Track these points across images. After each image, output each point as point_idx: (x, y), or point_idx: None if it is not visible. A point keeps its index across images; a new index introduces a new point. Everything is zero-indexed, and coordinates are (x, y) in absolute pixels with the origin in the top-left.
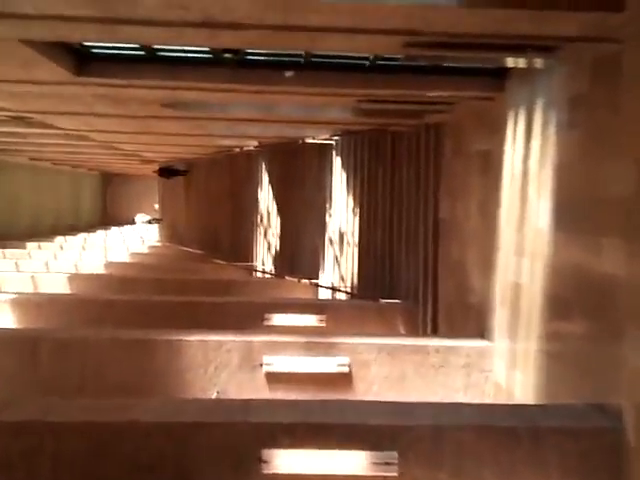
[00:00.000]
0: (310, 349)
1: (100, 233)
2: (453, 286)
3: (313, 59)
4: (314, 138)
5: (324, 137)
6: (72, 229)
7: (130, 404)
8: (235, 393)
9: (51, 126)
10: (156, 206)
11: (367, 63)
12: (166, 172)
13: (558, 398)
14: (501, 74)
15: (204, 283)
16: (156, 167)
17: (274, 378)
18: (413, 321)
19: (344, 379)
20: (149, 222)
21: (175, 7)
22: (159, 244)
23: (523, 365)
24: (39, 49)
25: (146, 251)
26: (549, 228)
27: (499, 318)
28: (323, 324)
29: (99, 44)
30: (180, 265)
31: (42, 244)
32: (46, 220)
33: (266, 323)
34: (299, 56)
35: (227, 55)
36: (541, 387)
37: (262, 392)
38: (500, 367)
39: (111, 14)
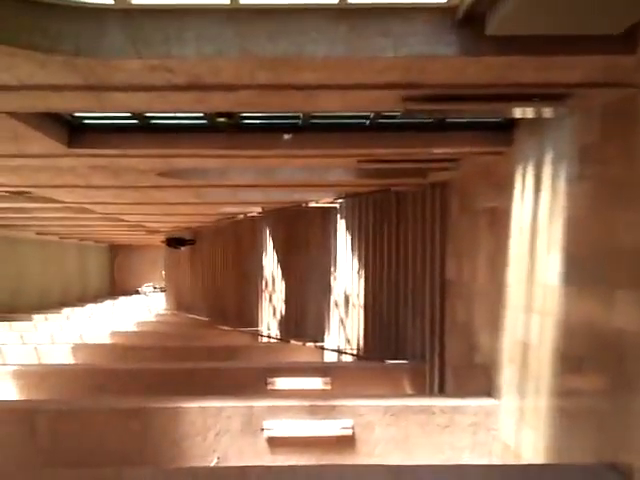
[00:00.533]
0: (312, 412)
1: (107, 303)
2: (460, 346)
3: (312, 121)
4: (317, 202)
5: (327, 200)
6: (80, 301)
7: (121, 474)
8: (236, 459)
9: (51, 199)
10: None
11: (367, 122)
12: (173, 242)
13: (567, 456)
14: (508, 127)
15: (208, 349)
16: (162, 237)
17: (276, 443)
18: (420, 381)
19: (347, 442)
20: (154, 289)
21: (159, 70)
22: (166, 312)
23: (532, 423)
24: (29, 122)
25: (152, 319)
26: (559, 283)
27: (507, 376)
28: (328, 387)
29: (90, 115)
30: (185, 332)
31: (49, 316)
32: (53, 293)
33: (270, 387)
34: (297, 118)
35: (221, 119)
36: (550, 445)
37: (263, 457)
38: (508, 425)
39: (93, 80)
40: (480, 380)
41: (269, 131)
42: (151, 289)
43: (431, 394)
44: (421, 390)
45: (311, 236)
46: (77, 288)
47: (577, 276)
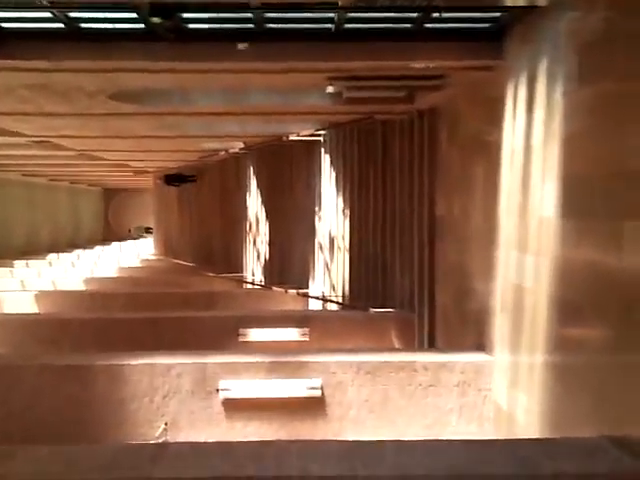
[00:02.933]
0: (275, 370)
1: (98, 249)
2: (451, 292)
3: (267, 25)
4: (299, 134)
5: (310, 132)
6: (71, 246)
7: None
8: (187, 425)
9: (9, 132)
10: None
11: (332, 27)
12: (172, 179)
13: (568, 425)
14: (498, 36)
15: (183, 297)
16: (151, 178)
17: (233, 406)
18: (408, 332)
19: (316, 404)
20: (146, 231)
21: None
22: (152, 258)
23: (527, 384)
24: None
25: (135, 265)
26: (556, 216)
27: (499, 327)
28: (306, 338)
29: (12, 19)
30: (164, 279)
31: (32, 262)
32: (42, 238)
33: (241, 339)
34: (249, 20)
35: (156, 19)
36: (548, 412)
37: (219, 423)
38: (501, 385)
39: None
40: (472, 332)
41: (219, 39)
42: (142, 229)
43: (420, 348)
44: (410, 343)
45: (295, 173)
46: (68, 233)
47: (576, 207)
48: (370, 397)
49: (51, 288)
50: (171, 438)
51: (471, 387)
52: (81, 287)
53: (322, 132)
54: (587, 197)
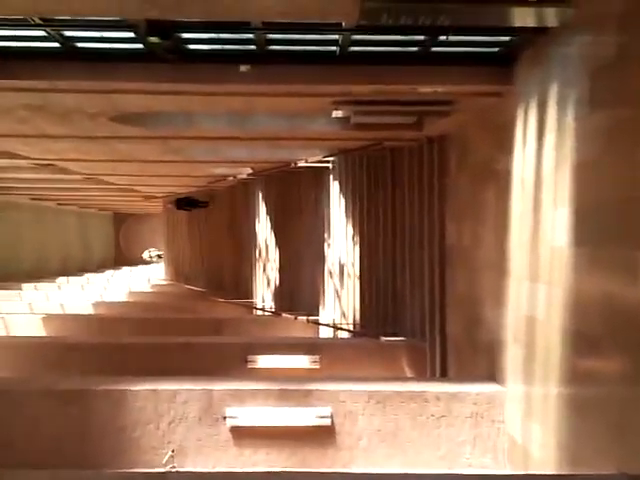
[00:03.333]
0: (283, 398)
1: (108, 273)
2: (462, 321)
3: (269, 47)
4: (307, 160)
5: (318, 159)
6: (81, 270)
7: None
8: (194, 452)
9: (13, 154)
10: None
11: (336, 50)
12: (182, 203)
13: (585, 460)
14: (508, 61)
15: (192, 323)
16: (161, 204)
17: (240, 434)
18: (420, 361)
19: (326, 433)
20: (158, 257)
21: None
22: (163, 283)
23: (541, 416)
24: None
25: (145, 290)
26: (568, 245)
27: (512, 358)
28: (317, 365)
29: (7, 37)
30: (174, 304)
31: (41, 285)
32: (52, 262)
33: (250, 366)
34: (250, 42)
35: (154, 39)
36: (563, 446)
37: (226, 450)
38: (514, 417)
39: None
40: (483, 362)
41: (221, 61)
42: (154, 255)
43: (432, 377)
44: (421, 372)
45: (304, 200)
46: (78, 257)
47: (589, 236)
48: (381, 427)
49: (59, 311)
50: (178, 465)
51: (484, 419)
52: (89, 311)
53: (330, 158)
54: (600, 225)
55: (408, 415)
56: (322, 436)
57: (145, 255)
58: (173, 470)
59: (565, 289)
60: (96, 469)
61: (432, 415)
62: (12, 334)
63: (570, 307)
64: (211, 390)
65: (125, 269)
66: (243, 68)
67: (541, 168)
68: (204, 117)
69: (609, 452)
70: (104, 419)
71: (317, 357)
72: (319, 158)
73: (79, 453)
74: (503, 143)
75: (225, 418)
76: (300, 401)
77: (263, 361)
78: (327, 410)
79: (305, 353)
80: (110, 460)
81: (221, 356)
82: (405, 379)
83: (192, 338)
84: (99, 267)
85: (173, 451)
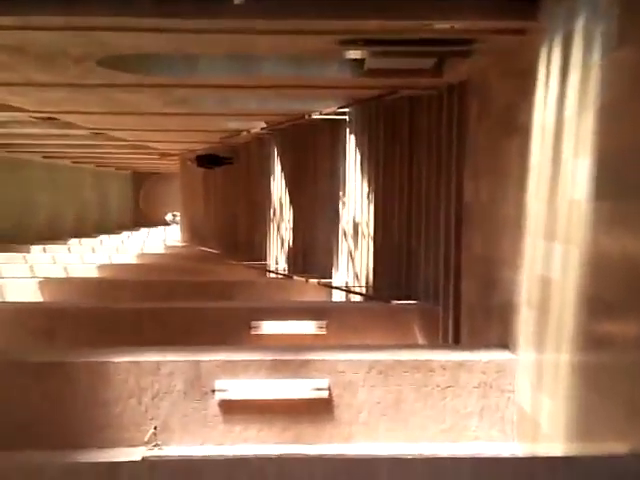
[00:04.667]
0: (278, 369)
1: (125, 234)
2: (477, 284)
3: None
4: (321, 113)
5: (333, 110)
6: (98, 231)
7: None
8: (180, 429)
9: (17, 108)
10: None
11: None
12: (204, 161)
13: (596, 436)
14: None
15: (200, 286)
16: (177, 161)
17: (230, 408)
18: (432, 326)
19: (323, 407)
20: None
21: None
22: (178, 244)
23: (551, 386)
24: None
25: (158, 252)
26: (588, 198)
27: (524, 323)
28: (323, 331)
29: None
30: (185, 266)
31: (51, 247)
32: (66, 222)
33: (254, 332)
34: None
35: None
36: (574, 419)
37: (215, 427)
38: (525, 387)
39: None
40: (496, 328)
41: None
42: (174, 217)
43: (444, 343)
44: (433, 338)
45: (319, 156)
46: (94, 218)
47: (613, 188)
48: (382, 399)
49: (63, 275)
50: (162, 443)
51: (493, 388)
52: (94, 274)
53: (346, 110)
54: (626, 176)
55: (412, 386)
56: (319, 410)
57: (168, 217)
58: (155, 449)
59: (583, 248)
60: (73, 449)
61: (437, 386)
62: (5, 299)
63: (587, 268)
64: (198, 361)
65: (144, 231)
66: (237, 0)
67: (563, 113)
68: (204, 62)
69: (622, 430)
70: (82, 394)
71: (324, 322)
72: (334, 109)
73: (55, 432)
74: (525, 89)
75: (214, 391)
76: (295, 372)
77: (267, 327)
78: (324, 381)
79: (312, 318)
80: (89, 439)
81: (224, 322)
82: (409, 347)
83: (193, 303)
84: (117, 228)
85: (156, 428)
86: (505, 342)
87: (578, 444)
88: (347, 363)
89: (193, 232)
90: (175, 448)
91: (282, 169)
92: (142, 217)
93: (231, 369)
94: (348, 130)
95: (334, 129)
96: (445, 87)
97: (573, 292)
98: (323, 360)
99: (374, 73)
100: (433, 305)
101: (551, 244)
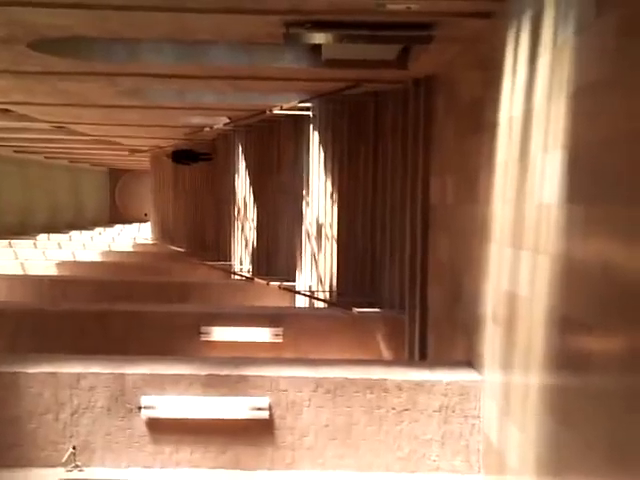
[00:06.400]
0: (213, 385)
1: (97, 231)
2: (442, 292)
3: None
4: (282, 108)
5: (295, 105)
6: (71, 227)
7: None
8: (102, 448)
9: None
10: None
11: None
12: (181, 156)
13: (574, 476)
14: None
15: (158, 287)
16: (148, 158)
17: (159, 427)
18: (398, 336)
19: (263, 428)
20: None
21: None
22: (148, 242)
23: (519, 414)
24: None
25: (123, 250)
26: (559, 201)
27: (491, 340)
28: (279, 339)
29: None
30: (148, 265)
31: (16, 242)
32: (38, 218)
33: (203, 338)
34: None
35: None
36: (544, 458)
37: (142, 447)
38: (491, 413)
39: None
40: (462, 343)
41: None
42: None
43: (410, 357)
44: (399, 348)
45: (283, 153)
46: (68, 214)
47: (587, 188)
48: (330, 422)
49: (20, 272)
50: (82, 464)
51: (455, 413)
52: (51, 271)
53: (309, 105)
54: (603, 174)
55: (363, 408)
56: (258, 432)
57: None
58: (75, 470)
59: (553, 258)
60: None
61: (393, 408)
62: None
63: (558, 280)
64: (123, 374)
65: (117, 227)
66: None
67: (531, 104)
68: (148, 48)
69: (599, 471)
70: None
71: (280, 330)
72: (296, 104)
73: None
74: (492, 80)
75: (140, 408)
76: (232, 389)
77: (218, 333)
78: (265, 400)
79: (268, 325)
80: None
81: (172, 327)
82: (361, 363)
83: (140, 306)
84: (92, 225)
85: (75, 447)
86: (471, 361)
87: None
88: (290, 380)
89: (163, 230)
90: (97, 470)
91: (246, 167)
92: (118, 214)
93: (159, 384)
94: (312, 126)
95: (298, 125)
96: (411, 81)
97: (542, 307)
98: (263, 376)
99: (333, 64)
100: (399, 313)
101: (518, 253)
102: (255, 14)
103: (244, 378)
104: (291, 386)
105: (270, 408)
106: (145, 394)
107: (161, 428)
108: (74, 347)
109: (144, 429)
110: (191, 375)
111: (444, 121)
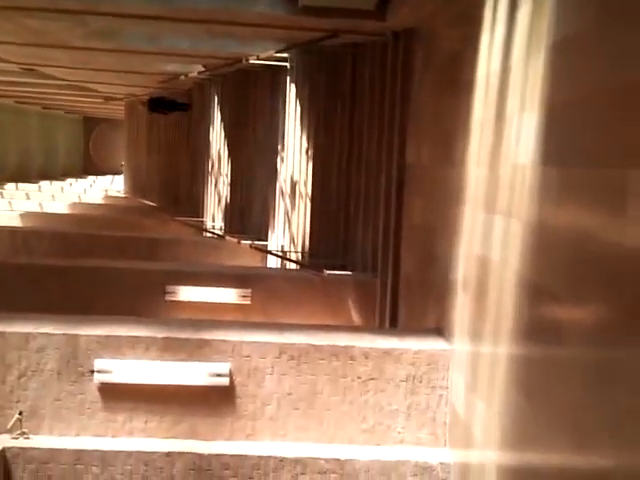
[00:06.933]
0: (171, 349)
1: (69, 182)
2: (415, 256)
3: None
4: (258, 57)
5: (272, 55)
6: (43, 177)
7: None
8: (51, 415)
9: None
10: None
11: None
12: (159, 105)
13: (533, 456)
14: None
15: (123, 242)
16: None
17: (112, 393)
18: (369, 300)
19: (223, 396)
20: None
21: None
22: (119, 195)
23: (486, 386)
24: None
25: (97, 202)
26: (534, 163)
27: (460, 308)
28: (247, 301)
29: None
30: (116, 219)
31: None
32: (7, 165)
33: (169, 298)
34: None
35: None
36: (508, 429)
37: (93, 415)
38: (458, 384)
39: None
40: (433, 310)
41: None
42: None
43: (381, 323)
44: (369, 313)
45: (259, 105)
46: (39, 163)
47: (563, 150)
48: (294, 390)
49: None
50: (29, 431)
51: (423, 383)
52: (15, 223)
53: (286, 55)
54: (580, 135)
55: (328, 376)
56: (218, 400)
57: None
58: (20, 438)
59: (526, 223)
60: None
61: (358, 377)
62: None
63: (530, 248)
64: (76, 335)
65: (92, 179)
66: None
67: (510, 58)
68: None
69: (567, 442)
70: None
71: (249, 291)
72: (273, 54)
73: None
74: (471, 34)
75: (93, 372)
76: (192, 354)
77: (184, 293)
78: (225, 366)
79: (236, 286)
80: None
81: (136, 285)
82: (326, 329)
83: (103, 262)
84: (64, 175)
85: (21, 413)
86: (441, 328)
87: (513, 461)
88: (253, 346)
89: (136, 183)
90: (44, 438)
91: (222, 119)
92: (93, 165)
93: (115, 346)
94: (289, 79)
95: (275, 77)
96: (390, 34)
97: (513, 275)
98: (225, 341)
99: (310, 11)
100: (371, 277)
101: (491, 217)
102: None
103: (205, 342)
104: (254, 352)
105: (231, 375)
106: (99, 357)
107: (115, 394)
108: (30, 304)
109: (96, 395)
110: (148, 338)
111: (422, 78)
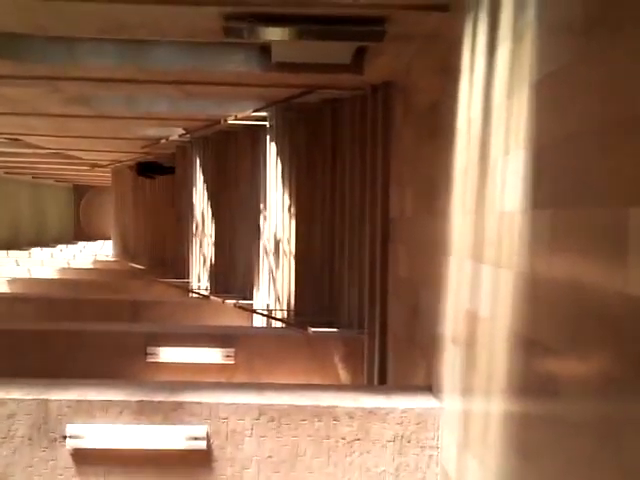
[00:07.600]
0: (145, 413)
1: (59, 248)
2: (403, 311)
3: None
4: (237, 117)
5: (250, 114)
6: (32, 244)
7: None
8: None
9: None
10: None
11: None
12: (145, 169)
13: None
14: None
15: (107, 305)
16: (109, 173)
17: (86, 458)
18: (356, 357)
19: (200, 460)
20: None
21: None
22: (108, 259)
23: (479, 447)
24: None
25: (86, 266)
26: (523, 208)
27: (450, 364)
28: (231, 361)
29: None
30: (103, 283)
31: None
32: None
33: (150, 359)
34: None
35: None
36: None
37: None
38: (449, 444)
39: None
40: (422, 366)
41: None
42: None
43: (369, 380)
44: (357, 370)
45: (240, 165)
46: (30, 230)
47: (554, 191)
48: (275, 453)
49: None
50: None
51: (411, 443)
52: (2, 289)
53: (264, 114)
54: (572, 174)
55: (311, 437)
56: (195, 463)
57: None
58: None
59: (516, 273)
60: None
61: (343, 438)
62: None
63: (522, 298)
64: (47, 400)
65: (82, 244)
66: None
67: (490, 99)
68: (86, 49)
69: None
70: None
71: (232, 351)
72: (250, 113)
73: None
74: (449, 80)
75: (65, 438)
76: (167, 417)
77: (165, 354)
78: (202, 429)
79: (219, 346)
80: None
81: (117, 347)
82: (308, 388)
83: (84, 325)
84: (55, 242)
85: None
86: (431, 385)
87: None
88: (231, 407)
89: (124, 247)
90: None
91: (204, 180)
92: (83, 231)
93: (87, 411)
94: (269, 137)
95: (255, 136)
96: (369, 88)
97: (505, 328)
98: (201, 403)
99: (284, 67)
100: (358, 333)
101: (478, 267)
102: (190, 4)
103: (180, 405)
104: (232, 413)
105: (208, 438)
106: (71, 422)
107: (88, 459)
108: (9, 368)
109: (69, 460)
110: (122, 401)
111: (402, 129)
